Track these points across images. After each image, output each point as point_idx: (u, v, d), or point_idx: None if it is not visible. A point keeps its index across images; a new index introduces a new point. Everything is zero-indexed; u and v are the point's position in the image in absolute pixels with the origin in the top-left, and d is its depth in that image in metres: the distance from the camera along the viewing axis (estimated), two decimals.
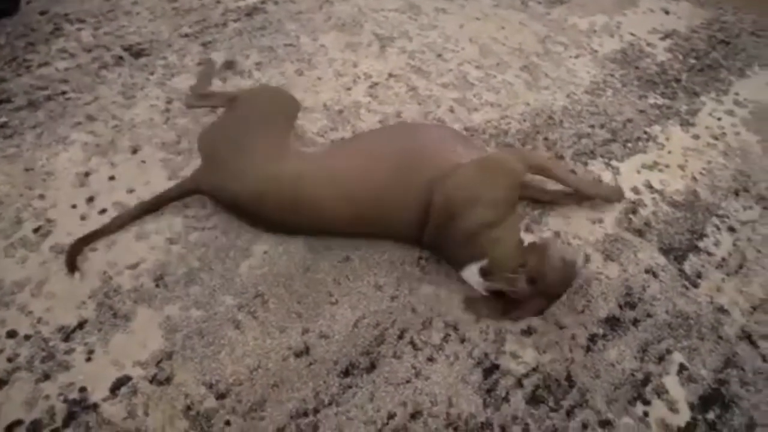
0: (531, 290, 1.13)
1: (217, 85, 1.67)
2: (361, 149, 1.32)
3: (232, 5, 1.99)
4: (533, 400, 1.09)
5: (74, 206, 1.31)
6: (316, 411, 1.03)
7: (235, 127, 1.33)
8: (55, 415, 0.98)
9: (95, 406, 1.00)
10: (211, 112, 1.56)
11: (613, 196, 1.48)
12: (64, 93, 1.58)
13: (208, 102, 1.54)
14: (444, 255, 1.27)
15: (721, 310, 1.29)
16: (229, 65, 1.72)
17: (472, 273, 1.19)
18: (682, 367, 1.18)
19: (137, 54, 1.74)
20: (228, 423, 1.00)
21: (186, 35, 1.83)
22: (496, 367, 1.13)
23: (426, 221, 1.23)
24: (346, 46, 1.88)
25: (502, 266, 1.16)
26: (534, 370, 1.14)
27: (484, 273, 1.17)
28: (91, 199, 1.33)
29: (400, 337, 1.15)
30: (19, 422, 0.97)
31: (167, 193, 1.31)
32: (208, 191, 1.29)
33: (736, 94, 1.92)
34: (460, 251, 1.20)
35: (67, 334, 1.09)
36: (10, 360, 1.05)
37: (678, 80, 1.96)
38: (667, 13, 2.31)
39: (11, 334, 1.08)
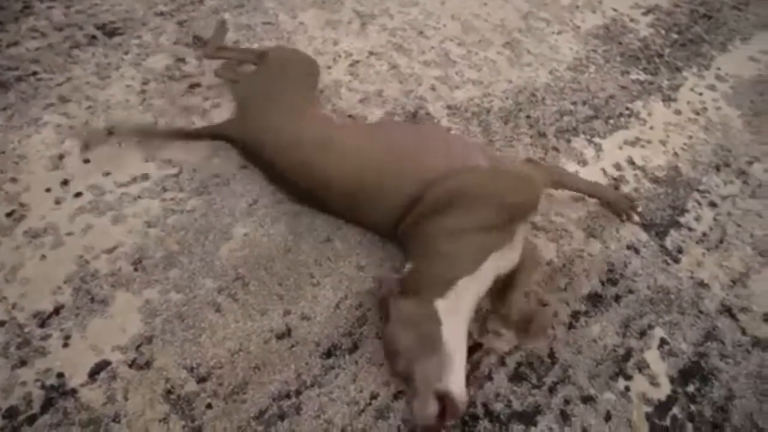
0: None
1: (193, 63, 1.63)
2: (384, 135, 1.29)
3: None
4: (516, 377, 1.10)
5: (48, 190, 1.28)
6: (298, 393, 1.03)
7: (267, 82, 1.40)
8: (32, 401, 0.97)
9: (73, 391, 0.99)
10: (188, 92, 1.53)
11: (623, 203, 1.40)
12: (35, 73, 1.53)
13: (226, 54, 1.57)
14: (405, 252, 1.18)
15: (702, 284, 1.30)
16: (200, 41, 1.68)
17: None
18: (663, 342, 1.19)
19: (111, 33, 1.69)
20: (209, 406, 0.99)
21: (161, 13, 1.78)
22: (479, 345, 1.13)
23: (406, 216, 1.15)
24: (326, 24, 1.84)
25: (419, 281, 1.03)
26: (516, 347, 1.14)
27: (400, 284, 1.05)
28: (65, 183, 1.30)
29: (382, 318, 1.15)
30: None
31: (200, 130, 1.41)
32: (236, 139, 1.36)
33: (718, 68, 1.92)
34: (415, 249, 1.12)
35: (43, 320, 1.07)
36: None
37: (660, 55, 1.95)
38: None
39: None
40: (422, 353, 0.94)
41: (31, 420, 0.95)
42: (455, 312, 1.00)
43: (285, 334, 1.10)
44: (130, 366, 1.03)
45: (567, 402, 1.07)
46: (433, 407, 0.89)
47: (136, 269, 1.17)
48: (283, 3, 1.90)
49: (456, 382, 0.92)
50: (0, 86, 1.48)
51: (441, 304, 0.99)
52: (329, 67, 1.68)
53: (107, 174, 1.32)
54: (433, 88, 1.66)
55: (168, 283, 1.16)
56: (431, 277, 1.03)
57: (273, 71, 1.43)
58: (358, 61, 1.72)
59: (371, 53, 1.76)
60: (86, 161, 1.35)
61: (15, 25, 1.67)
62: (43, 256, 1.17)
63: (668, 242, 1.37)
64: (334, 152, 1.21)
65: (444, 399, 0.90)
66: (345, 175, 1.19)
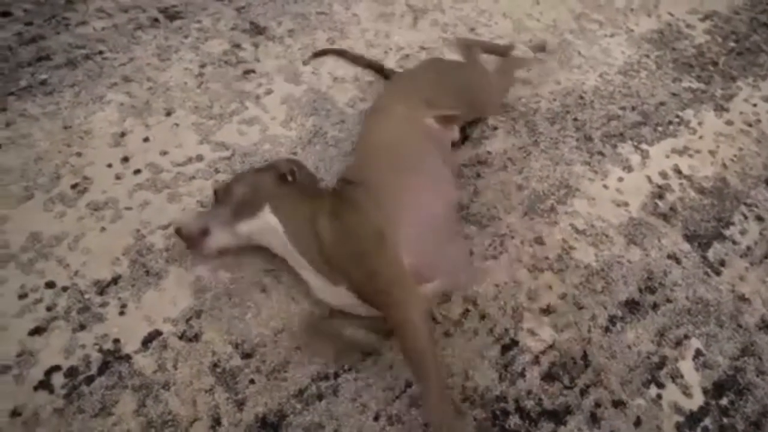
0: None
1: (249, 50, 1.68)
2: None
3: None
4: (548, 376, 1.12)
5: (110, 165, 1.35)
6: (336, 375, 1.07)
7: None
8: (90, 363, 1.04)
9: (128, 357, 1.05)
10: (243, 78, 1.58)
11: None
12: (101, 53, 1.60)
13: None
14: None
15: (743, 298, 1.29)
16: (261, 30, 1.73)
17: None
18: (698, 353, 1.19)
19: (172, 16, 1.75)
20: (252, 381, 1.05)
21: None
22: (515, 343, 1.15)
23: None
24: (379, 17, 1.87)
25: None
26: (551, 347, 1.16)
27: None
28: (125, 159, 1.36)
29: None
30: (57, 368, 1.03)
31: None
32: None
33: None
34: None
35: (102, 288, 1.14)
36: (48, 309, 1.10)
37: (715, 63, 1.92)
38: None
39: (50, 285, 1.13)
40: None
41: (89, 380, 1.01)
42: None
43: (326, 317, 1.15)
44: (180, 338, 1.09)
45: (597, 405, 1.09)
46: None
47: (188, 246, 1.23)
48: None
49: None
50: (69, 63, 1.55)
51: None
52: (379, 60, 1.71)
53: (164, 153, 1.39)
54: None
55: (217, 261, 1.21)
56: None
57: None
58: (408, 55, 1.75)
59: (422, 47, 1.78)
60: (145, 140, 1.41)
61: (83, 5, 1.74)
62: (103, 228, 1.23)
63: (711, 254, 1.36)
64: None
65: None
66: None
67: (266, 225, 1.12)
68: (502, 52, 1.73)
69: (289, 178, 1.18)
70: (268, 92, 1.57)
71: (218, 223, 1.13)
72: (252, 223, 1.13)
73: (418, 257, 1.04)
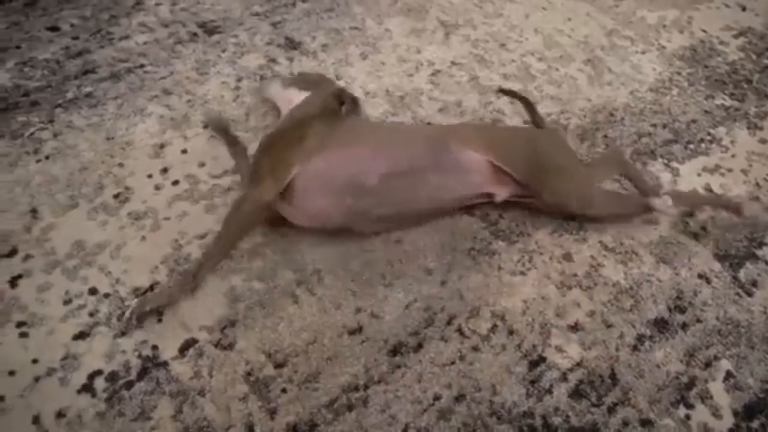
0: None
1: (284, 64, 1.72)
2: None
3: None
4: (576, 394, 1.12)
5: (150, 176, 1.40)
6: (366, 387, 1.09)
7: None
8: (130, 368, 1.08)
9: (165, 364, 1.09)
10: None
11: None
12: (142, 66, 1.66)
13: None
14: None
15: None
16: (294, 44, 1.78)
17: None
18: (728, 374, 1.18)
19: (210, 31, 1.81)
20: (284, 390, 1.07)
21: (257, 14, 1.89)
22: (543, 359, 1.16)
23: None
24: (411, 32, 1.90)
25: None
26: (578, 365, 1.16)
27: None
28: (165, 171, 1.41)
29: (449, 323, 1.20)
30: (99, 372, 1.07)
31: None
32: None
33: None
34: None
35: (140, 295, 1.18)
36: (91, 315, 1.15)
37: (749, 81, 1.90)
38: (743, 9, 2.23)
39: (93, 291, 1.18)
40: None
41: (129, 385, 1.05)
42: None
43: (357, 330, 1.17)
44: (215, 346, 1.12)
45: (625, 424, 1.09)
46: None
47: None
48: (371, 9, 1.97)
49: None
50: (112, 77, 1.62)
51: None
52: (411, 75, 1.74)
53: (202, 165, 1.43)
54: (511, 102, 1.69)
55: (251, 272, 1.24)
56: None
57: None
58: (439, 71, 1.77)
59: (453, 63, 1.81)
60: (184, 152, 1.46)
61: (127, 19, 1.81)
62: (143, 238, 1.28)
63: (742, 274, 1.36)
64: None
65: None
66: None
67: (292, 101, 1.42)
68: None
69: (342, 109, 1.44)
70: None
71: (284, 79, 1.53)
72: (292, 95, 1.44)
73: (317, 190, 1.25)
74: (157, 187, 1.38)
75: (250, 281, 1.23)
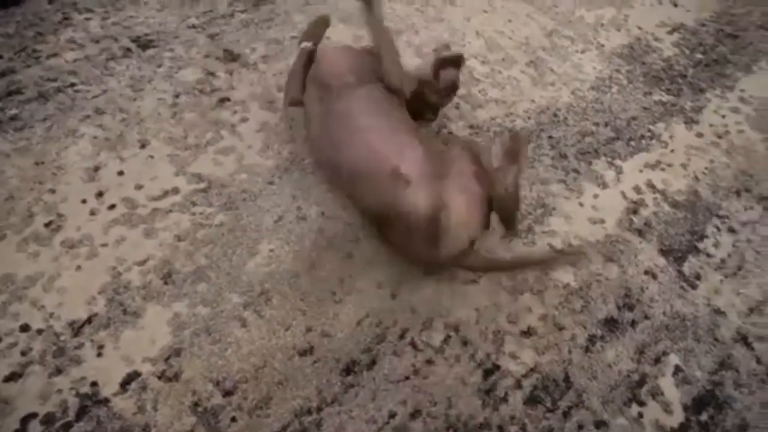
0: None
1: (223, 77, 1.68)
2: None
3: None
4: (531, 400, 1.12)
5: (84, 201, 1.33)
6: (319, 409, 1.06)
7: None
8: (67, 408, 1.02)
9: (106, 400, 1.04)
10: (218, 106, 1.57)
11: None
12: (73, 85, 1.59)
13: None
14: None
15: (718, 312, 1.31)
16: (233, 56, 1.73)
17: None
18: (677, 369, 1.21)
19: (145, 45, 1.74)
20: (234, 419, 1.04)
21: (193, 26, 1.83)
22: (497, 368, 1.16)
23: None
24: (353, 39, 1.88)
25: None
26: (532, 370, 1.17)
27: None
28: (100, 194, 1.35)
29: (402, 337, 1.18)
30: (33, 415, 1.01)
31: None
32: None
33: (742, 90, 1.92)
34: None
35: (77, 329, 1.12)
36: (23, 353, 1.08)
37: (684, 76, 1.96)
38: (675, 5, 2.29)
39: (24, 328, 1.12)
40: None
41: (67, 427, 1.00)
42: None
43: (307, 350, 1.14)
44: (160, 378, 1.07)
45: (580, 427, 1.10)
46: None
47: (165, 282, 1.22)
48: (312, 17, 1.93)
49: None
50: (40, 97, 1.54)
51: None
52: None
53: (140, 187, 1.37)
54: (456, 107, 1.68)
55: (196, 296, 1.20)
56: None
57: None
58: None
59: None
60: (120, 173, 1.40)
61: (54, 36, 1.73)
62: (79, 267, 1.22)
63: (686, 268, 1.39)
64: None
65: None
66: None
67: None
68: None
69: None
70: (244, 120, 1.57)
71: None
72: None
73: None
74: (93, 213, 1.32)
75: (195, 307, 1.19)
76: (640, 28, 2.15)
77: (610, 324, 1.26)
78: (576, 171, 1.56)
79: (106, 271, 1.22)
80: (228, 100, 1.62)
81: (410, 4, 2.06)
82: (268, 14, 1.92)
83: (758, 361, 1.23)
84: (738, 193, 1.58)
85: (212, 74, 1.68)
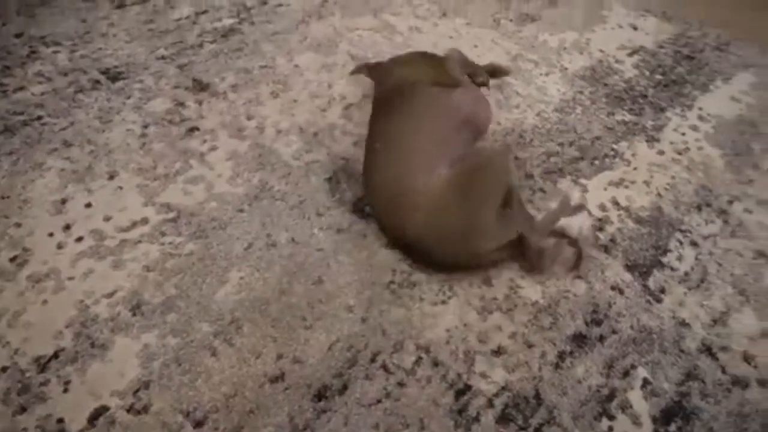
0: None
1: (192, 107, 1.69)
2: None
3: (208, 26, 2.01)
4: (503, 419, 1.13)
5: (51, 234, 1.33)
6: None
7: None
8: None
9: None
10: (187, 135, 1.58)
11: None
12: (39, 118, 1.59)
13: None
14: None
15: (683, 324, 1.34)
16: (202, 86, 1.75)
17: None
18: (645, 382, 1.22)
19: (114, 77, 1.75)
20: None
21: (162, 57, 1.85)
22: (468, 387, 1.17)
23: None
24: (322, 67, 1.91)
25: None
26: (503, 389, 1.17)
27: None
28: (67, 227, 1.34)
29: (373, 360, 1.19)
30: None
31: None
32: None
33: (700, 108, 1.98)
34: None
35: (43, 365, 1.11)
36: None
37: (645, 96, 2.02)
38: (635, 28, 2.37)
39: None
40: None
41: None
42: None
43: (279, 377, 1.14)
44: (128, 411, 1.06)
45: None
46: None
47: (134, 314, 1.21)
48: (281, 46, 1.97)
49: None
50: (6, 131, 1.53)
51: None
52: (324, 111, 1.75)
53: (108, 219, 1.37)
54: None
55: (165, 327, 1.19)
56: None
57: None
58: (352, 104, 1.78)
59: (365, 96, 1.82)
60: (88, 206, 1.39)
61: (21, 69, 1.73)
62: (45, 301, 1.21)
63: (651, 282, 1.41)
64: None
65: None
66: None
67: None
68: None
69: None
70: (213, 149, 1.58)
71: None
72: None
73: None
74: (60, 246, 1.31)
75: (164, 337, 1.18)
76: (601, 51, 2.22)
77: (579, 340, 1.28)
78: (542, 190, 1.60)
79: (74, 305, 1.21)
80: (197, 129, 1.63)
81: (377, 32, 2.10)
82: (237, 44, 1.95)
83: (723, 370, 1.26)
84: (699, 208, 1.62)
85: (181, 104, 1.70)
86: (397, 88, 1.50)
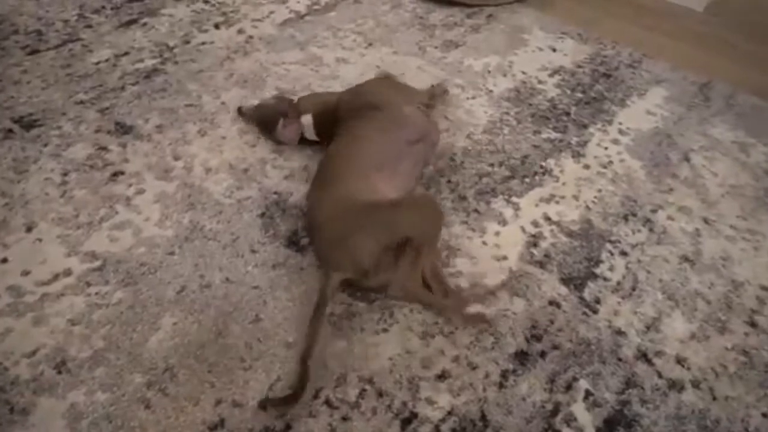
0: None
1: (116, 151, 1.64)
2: None
3: (129, 68, 1.97)
4: None
5: None
6: None
7: None
8: None
9: None
10: (111, 180, 1.53)
11: None
12: None
13: None
14: None
15: (619, 332, 1.37)
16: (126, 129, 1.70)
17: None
18: (587, 393, 1.24)
19: (29, 125, 1.68)
20: None
21: (81, 102, 1.79)
22: (414, 415, 1.15)
23: None
24: (249, 103, 1.89)
25: None
26: (450, 413, 1.17)
27: None
28: None
29: (316, 396, 1.16)
30: None
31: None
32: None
33: (620, 123, 2.07)
34: None
35: None
36: None
37: (568, 114, 2.09)
38: (554, 50, 2.47)
39: None
40: None
41: None
42: None
43: (218, 424, 1.09)
44: None
45: None
46: None
47: (59, 372, 1.14)
48: (206, 84, 1.95)
49: None
50: None
51: None
52: (253, 146, 1.73)
53: (26, 273, 1.30)
54: None
55: (94, 383, 1.13)
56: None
57: None
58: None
59: None
60: (4, 261, 1.32)
61: None
62: None
63: (586, 294, 1.45)
64: None
65: None
66: None
67: None
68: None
69: None
70: (139, 192, 1.53)
71: None
72: None
73: None
74: None
75: (93, 394, 1.12)
76: (524, 72, 2.29)
77: (521, 357, 1.29)
78: (476, 211, 1.62)
79: None
80: (122, 173, 1.58)
81: (304, 65, 2.11)
82: (161, 84, 1.91)
83: (659, 375, 1.29)
84: (626, 218, 1.68)
85: (104, 149, 1.64)
86: (362, 110, 1.58)
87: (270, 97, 1.79)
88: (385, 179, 1.43)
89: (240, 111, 1.79)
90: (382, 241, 1.27)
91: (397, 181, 1.46)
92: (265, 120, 1.71)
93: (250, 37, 2.20)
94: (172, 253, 1.38)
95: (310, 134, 1.67)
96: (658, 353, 1.33)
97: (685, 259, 1.56)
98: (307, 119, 1.66)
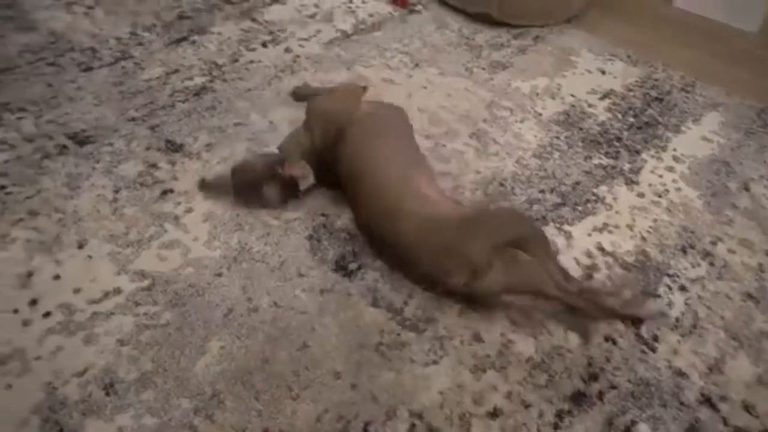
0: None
1: (165, 168, 1.64)
2: None
3: (179, 86, 1.98)
4: None
5: (16, 311, 1.25)
6: None
7: None
8: None
9: None
10: (161, 198, 1.53)
11: None
12: (3, 188, 1.52)
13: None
14: None
15: (680, 373, 1.30)
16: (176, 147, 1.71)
17: None
18: None
19: (82, 142, 1.70)
20: None
21: (133, 119, 1.81)
22: None
23: None
24: (296, 122, 1.88)
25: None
26: None
27: None
28: (34, 302, 1.27)
29: (365, 429, 1.12)
30: None
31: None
32: None
33: (674, 150, 2.01)
34: None
35: None
36: None
37: (619, 139, 2.03)
38: (603, 73, 2.42)
39: None
40: None
41: None
42: None
43: None
44: None
45: None
46: None
47: (107, 393, 1.13)
48: (255, 103, 1.95)
49: None
50: None
51: None
52: None
53: (78, 291, 1.30)
54: None
55: (141, 406, 1.12)
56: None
57: None
58: None
59: None
60: (56, 278, 1.32)
61: None
62: (9, 386, 1.12)
63: (644, 331, 1.38)
64: None
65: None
66: None
67: None
68: None
69: None
70: (188, 211, 1.53)
71: None
72: None
73: None
74: (25, 323, 1.23)
75: (140, 418, 1.10)
76: (573, 95, 2.24)
77: (577, 397, 1.23)
78: None
79: (41, 388, 1.13)
80: (171, 191, 1.58)
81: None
82: (210, 102, 1.92)
83: (725, 422, 1.22)
84: (684, 251, 1.61)
85: (154, 166, 1.65)
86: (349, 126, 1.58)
87: (242, 160, 1.64)
88: (424, 177, 1.49)
89: (203, 184, 1.57)
90: (491, 242, 1.29)
91: (433, 176, 1.55)
92: (248, 184, 1.53)
93: (297, 56, 2.20)
94: (219, 275, 1.37)
95: (311, 179, 1.52)
96: (723, 398, 1.26)
97: (749, 296, 1.48)
98: (304, 165, 1.53)
